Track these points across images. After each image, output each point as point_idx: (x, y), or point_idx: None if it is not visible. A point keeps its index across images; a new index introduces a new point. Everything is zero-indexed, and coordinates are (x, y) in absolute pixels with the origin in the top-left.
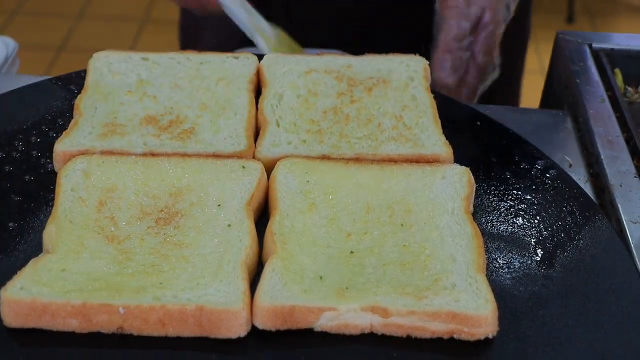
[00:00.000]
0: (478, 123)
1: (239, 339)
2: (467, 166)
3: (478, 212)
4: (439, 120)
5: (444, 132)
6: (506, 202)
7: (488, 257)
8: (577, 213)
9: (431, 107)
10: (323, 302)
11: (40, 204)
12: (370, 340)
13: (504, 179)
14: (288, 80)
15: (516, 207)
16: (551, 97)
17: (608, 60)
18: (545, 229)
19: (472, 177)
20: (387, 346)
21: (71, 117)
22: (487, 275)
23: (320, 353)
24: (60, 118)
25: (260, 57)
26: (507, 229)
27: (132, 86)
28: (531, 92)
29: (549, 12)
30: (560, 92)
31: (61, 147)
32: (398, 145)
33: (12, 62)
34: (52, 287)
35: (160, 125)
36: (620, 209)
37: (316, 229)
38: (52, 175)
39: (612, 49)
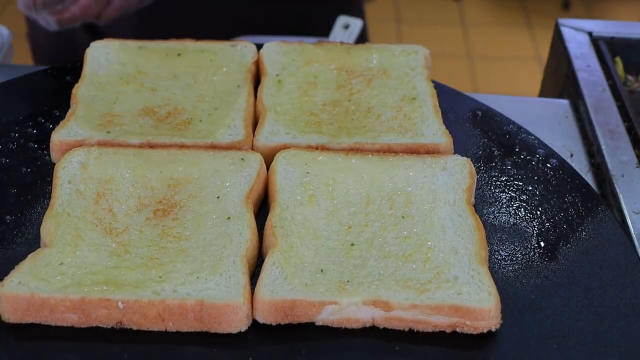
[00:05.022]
0: (479, 113)
1: (239, 333)
2: (467, 157)
3: (479, 204)
4: (439, 110)
5: (444, 122)
6: (507, 193)
7: (490, 249)
8: (579, 204)
9: (432, 97)
10: (324, 296)
11: (37, 196)
12: (372, 333)
13: (505, 170)
14: (287, 69)
15: (518, 199)
16: (551, 86)
17: (608, 48)
18: (548, 221)
19: (473, 168)
20: (389, 340)
21: (67, 108)
22: (489, 267)
23: (321, 347)
24: (57, 109)
25: (259, 46)
26: (509, 220)
27: (129, 76)
28: (528, 80)
29: None
30: (560, 81)
31: (58, 136)
32: (398, 135)
33: (7, 51)
34: (50, 282)
35: (158, 116)
36: (622, 200)
37: (316, 221)
38: (49, 167)
39: (613, 37)
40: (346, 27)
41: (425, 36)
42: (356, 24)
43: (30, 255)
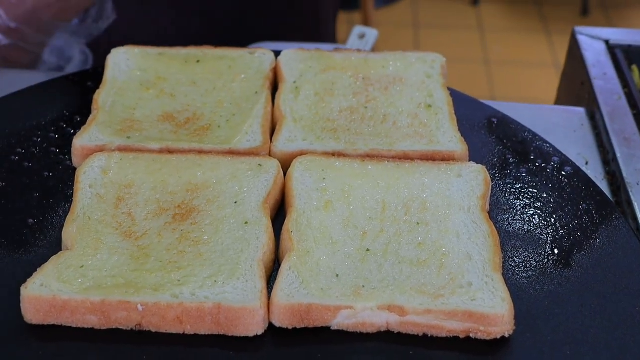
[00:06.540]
0: (494, 121)
1: (256, 337)
2: (482, 164)
3: (494, 211)
4: (454, 118)
5: (459, 129)
6: (522, 200)
7: (504, 256)
8: (594, 212)
9: (447, 104)
10: (340, 300)
11: (59, 200)
12: (387, 338)
13: (520, 177)
14: (305, 76)
15: (532, 206)
16: (567, 93)
17: (625, 56)
18: (562, 228)
19: (488, 175)
20: (403, 344)
21: (88, 113)
22: (503, 274)
23: (336, 350)
24: (78, 114)
25: (277, 53)
26: (523, 227)
27: (149, 82)
28: (545, 86)
29: (563, 4)
30: (577, 89)
31: (80, 142)
32: (413, 142)
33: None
34: (71, 284)
35: (177, 121)
36: (636, 208)
37: (332, 226)
38: (70, 171)
39: (630, 46)
40: (362, 36)
41: (442, 41)
42: (372, 33)
43: (52, 258)
